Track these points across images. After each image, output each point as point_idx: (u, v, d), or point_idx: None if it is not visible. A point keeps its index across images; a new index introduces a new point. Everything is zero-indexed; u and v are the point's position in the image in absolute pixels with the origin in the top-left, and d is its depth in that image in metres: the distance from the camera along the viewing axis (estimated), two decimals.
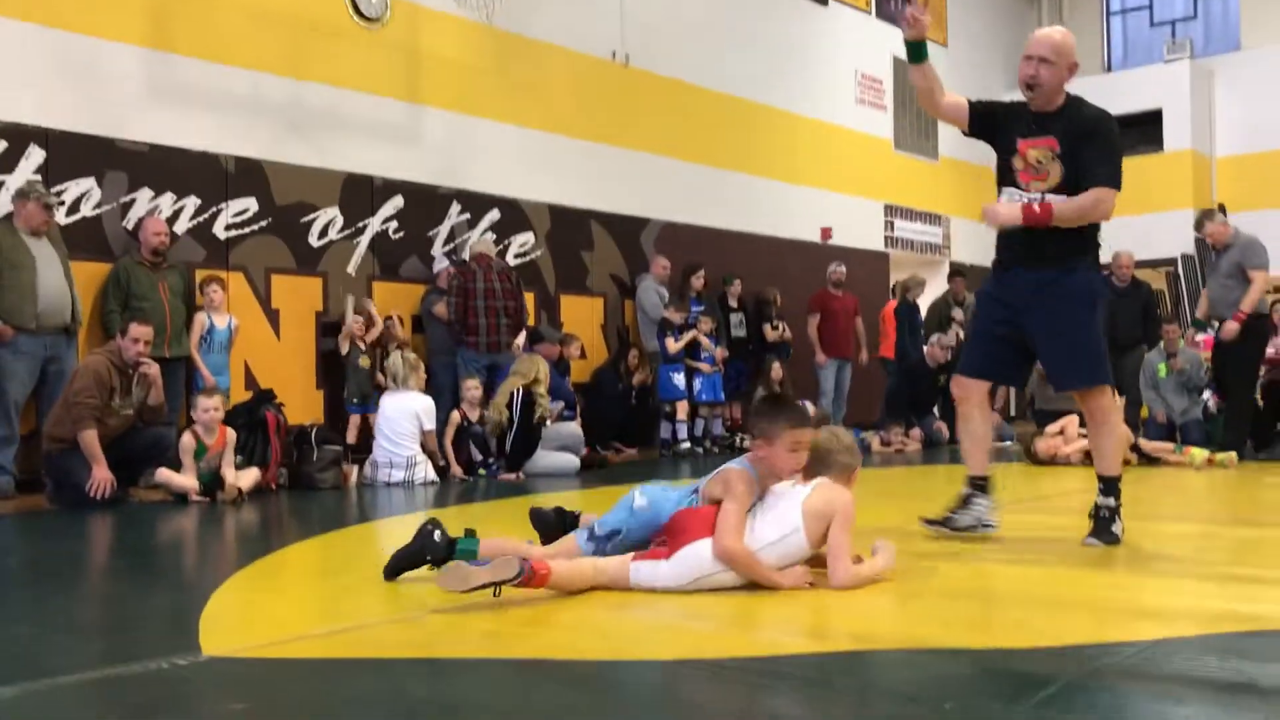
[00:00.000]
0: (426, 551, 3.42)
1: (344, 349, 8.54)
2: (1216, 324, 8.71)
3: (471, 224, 9.83)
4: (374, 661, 2.54)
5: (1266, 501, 6.05)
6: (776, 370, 11.51)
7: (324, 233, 8.87)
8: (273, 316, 8.55)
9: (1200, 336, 10.28)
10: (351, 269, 9.03)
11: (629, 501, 3.59)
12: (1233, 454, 8.17)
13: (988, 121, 4.28)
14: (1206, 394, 9.78)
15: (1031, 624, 2.87)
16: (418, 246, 9.50)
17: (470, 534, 3.48)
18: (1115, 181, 4.01)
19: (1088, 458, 8.46)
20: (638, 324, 11.04)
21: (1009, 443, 11.55)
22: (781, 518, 3.27)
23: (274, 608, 3.30)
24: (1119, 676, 2.31)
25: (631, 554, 3.35)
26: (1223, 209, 15.39)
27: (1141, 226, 14.50)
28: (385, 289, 9.22)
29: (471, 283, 8.83)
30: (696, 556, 3.21)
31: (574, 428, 9.02)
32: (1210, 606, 3.05)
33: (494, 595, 3.00)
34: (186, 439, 6.60)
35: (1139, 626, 2.77)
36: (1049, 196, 4.05)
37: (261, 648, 2.65)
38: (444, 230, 9.68)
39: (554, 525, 3.84)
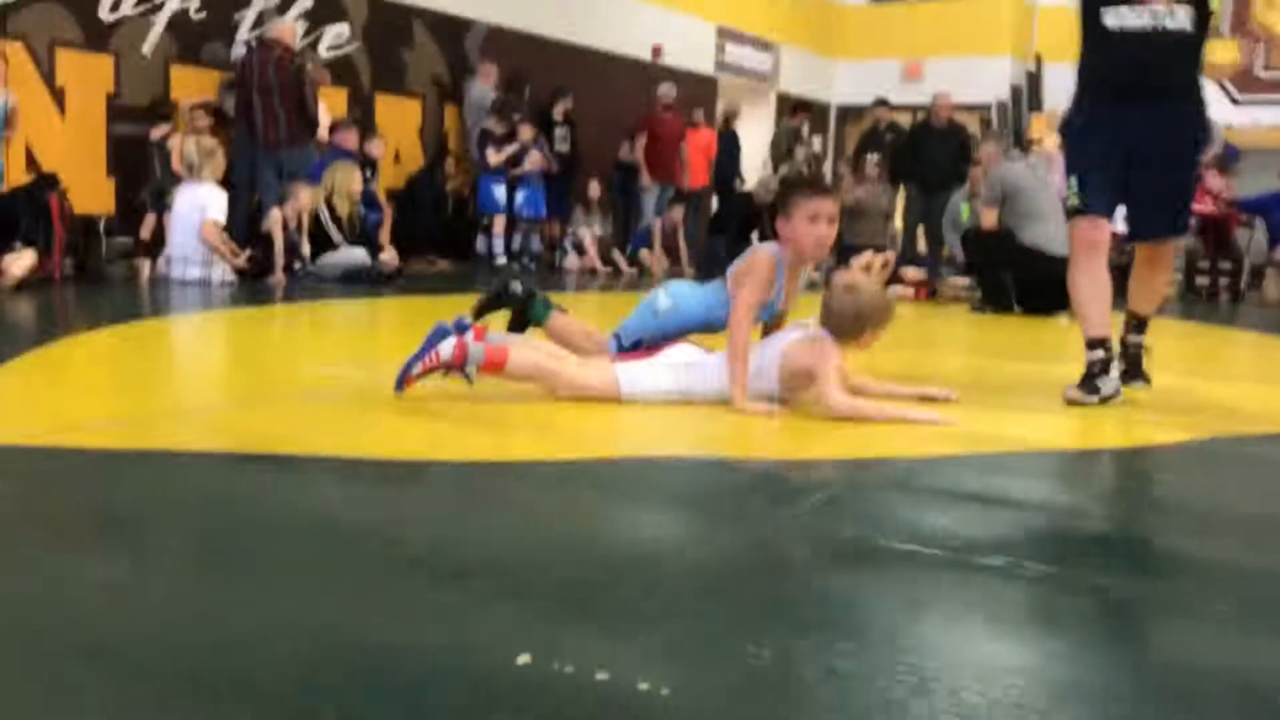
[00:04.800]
0: (504, 300, 3.62)
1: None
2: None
3: (281, 10, 9.20)
4: (160, 453, 2.47)
5: (1045, 340, 6.45)
6: (594, 189, 11.47)
7: (116, 6, 8.15)
8: (58, 95, 7.89)
9: None
10: (147, 50, 8.37)
11: (652, 304, 3.47)
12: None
13: None
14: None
15: (812, 440, 3.02)
16: (221, 30, 8.85)
17: (549, 304, 3.60)
18: None
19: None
20: (461, 131, 10.70)
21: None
22: (760, 351, 3.27)
23: (53, 397, 3.15)
24: (885, 486, 2.47)
25: (615, 357, 3.31)
26: (1039, 59, 15.90)
27: (959, 69, 14.79)
28: (184, 73, 8.61)
29: (249, 74, 8.18)
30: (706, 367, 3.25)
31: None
32: (977, 430, 3.26)
33: (468, 383, 3.09)
34: None
35: (909, 444, 2.93)
36: None
37: (36, 435, 2.53)
38: (250, 15, 9.03)
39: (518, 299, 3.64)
